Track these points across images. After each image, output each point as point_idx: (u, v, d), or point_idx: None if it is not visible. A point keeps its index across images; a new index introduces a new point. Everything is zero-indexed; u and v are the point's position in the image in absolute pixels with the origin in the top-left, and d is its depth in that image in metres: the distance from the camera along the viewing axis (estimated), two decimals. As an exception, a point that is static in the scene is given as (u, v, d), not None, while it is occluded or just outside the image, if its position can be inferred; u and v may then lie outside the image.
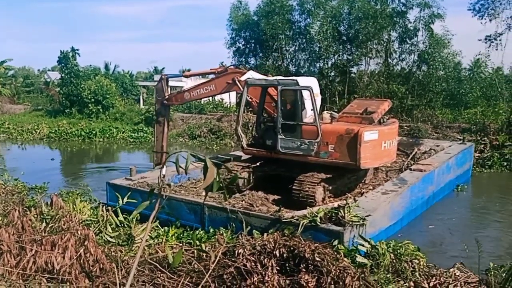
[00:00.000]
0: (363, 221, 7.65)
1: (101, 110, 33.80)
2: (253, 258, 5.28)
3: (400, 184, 10.43)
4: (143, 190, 9.74)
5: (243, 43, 31.22)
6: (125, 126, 30.59)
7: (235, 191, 10.34)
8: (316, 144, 9.78)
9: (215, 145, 25.16)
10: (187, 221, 8.72)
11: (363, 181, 11.60)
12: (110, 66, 52.45)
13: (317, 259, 4.81)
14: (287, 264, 5.16)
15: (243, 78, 11.02)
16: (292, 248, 5.25)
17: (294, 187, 9.51)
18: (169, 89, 13.48)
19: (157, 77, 38.14)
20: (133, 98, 44.62)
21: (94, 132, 28.49)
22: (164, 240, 7.09)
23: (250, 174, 10.89)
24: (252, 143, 11.35)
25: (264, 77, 11.50)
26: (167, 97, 12.81)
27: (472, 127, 21.15)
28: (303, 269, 4.79)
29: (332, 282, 4.57)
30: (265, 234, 6.02)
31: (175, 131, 28.62)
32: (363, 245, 6.78)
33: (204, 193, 10.16)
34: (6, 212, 7.67)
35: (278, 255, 5.18)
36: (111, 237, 7.06)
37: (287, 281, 4.67)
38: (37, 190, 13.17)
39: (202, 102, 32.42)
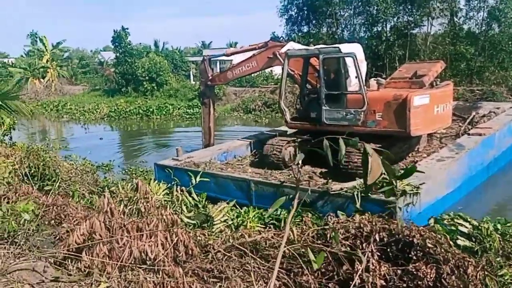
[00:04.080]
0: (417, 190, 7.07)
1: (155, 87, 34.30)
2: (348, 243, 4.83)
3: (457, 149, 9.62)
4: (190, 170, 9.53)
5: (295, 10, 30.00)
6: (180, 103, 30.87)
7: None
8: (362, 113, 9.38)
9: (264, 118, 24.83)
10: (234, 197, 8.49)
11: (416, 149, 10.90)
12: (159, 43, 52.88)
13: (429, 245, 4.25)
14: (388, 250, 4.66)
15: (283, 50, 10.71)
16: (393, 232, 4.71)
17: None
18: (218, 66, 13.27)
19: (206, 52, 38.02)
20: (184, 74, 44.94)
21: (151, 109, 29.00)
22: (247, 222, 6.80)
23: (296, 148, 10.51)
24: (296, 117, 11.09)
25: (304, 47, 11.16)
26: (210, 77, 12.79)
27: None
28: (414, 257, 4.24)
29: (450, 273, 4.01)
30: (357, 216, 5.52)
31: (229, 106, 28.50)
32: (463, 225, 6.09)
33: (249, 170, 9.97)
34: (87, 192, 7.78)
35: (378, 239, 4.68)
36: (189, 218, 6.88)
37: (399, 271, 4.14)
38: (103, 168, 13.45)
39: (253, 75, 31.89)
